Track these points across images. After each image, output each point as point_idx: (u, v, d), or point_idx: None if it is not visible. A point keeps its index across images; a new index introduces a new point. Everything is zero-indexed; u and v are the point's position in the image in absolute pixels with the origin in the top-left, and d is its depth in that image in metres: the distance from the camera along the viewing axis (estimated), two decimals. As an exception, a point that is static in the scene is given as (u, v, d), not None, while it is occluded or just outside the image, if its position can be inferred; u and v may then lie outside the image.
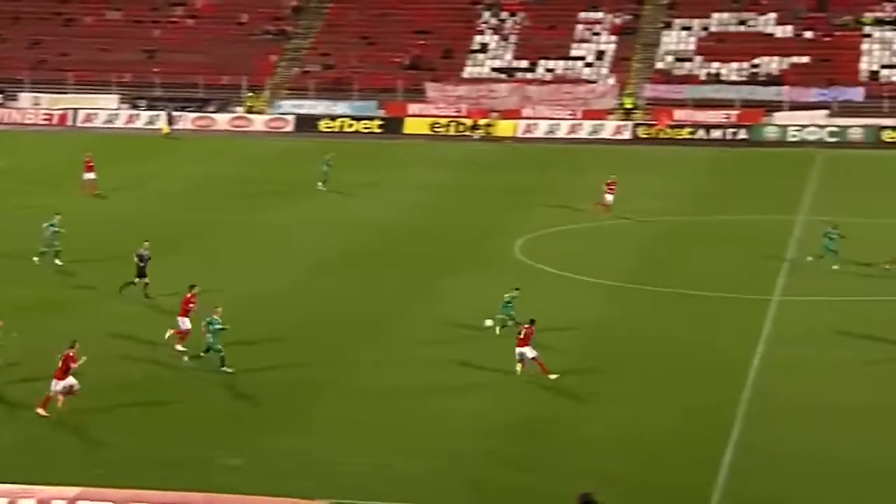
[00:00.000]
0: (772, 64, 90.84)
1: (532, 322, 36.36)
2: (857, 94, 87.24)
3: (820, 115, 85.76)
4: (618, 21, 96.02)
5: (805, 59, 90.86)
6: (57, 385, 32.84)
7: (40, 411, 32.82)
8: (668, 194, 64.71)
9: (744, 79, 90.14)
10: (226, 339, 36.72)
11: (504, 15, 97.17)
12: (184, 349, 37.75)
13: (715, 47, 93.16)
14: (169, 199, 63.53)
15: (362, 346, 38.83)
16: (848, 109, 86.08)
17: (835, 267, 48.76)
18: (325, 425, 32.79)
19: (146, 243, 44.52)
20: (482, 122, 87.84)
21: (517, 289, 40.51)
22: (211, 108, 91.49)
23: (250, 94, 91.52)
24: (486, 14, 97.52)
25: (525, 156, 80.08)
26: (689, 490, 28.85)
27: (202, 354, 36.43)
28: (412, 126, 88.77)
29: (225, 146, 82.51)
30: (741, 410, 33.60)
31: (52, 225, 49.09)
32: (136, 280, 43.83)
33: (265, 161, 76.72)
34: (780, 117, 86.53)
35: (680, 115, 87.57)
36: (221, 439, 31.62)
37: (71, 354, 32.96)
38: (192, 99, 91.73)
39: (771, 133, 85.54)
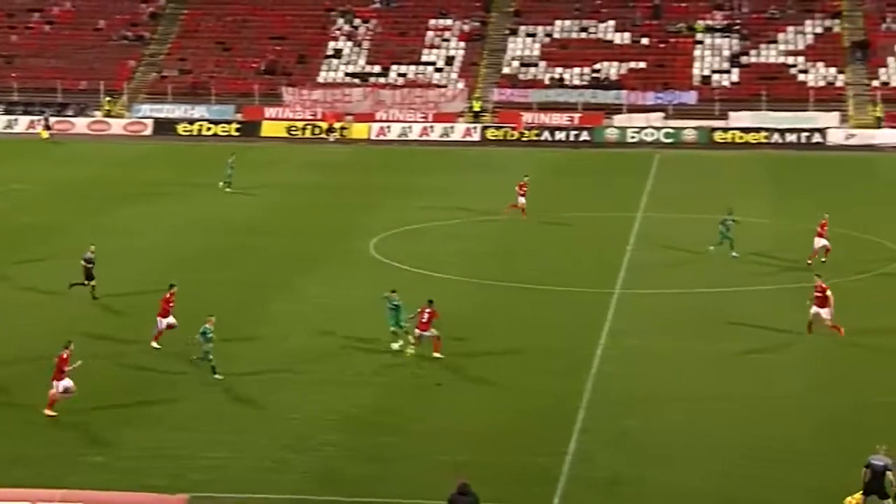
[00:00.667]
0: (611, 69, 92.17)
1: (430, 302, 37.10)
2: (690, 97, 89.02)
3: (656, 118, 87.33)
4: (466, 28, 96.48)
5: (642, 65, 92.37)
6: (58, 386, 31.88)
7: (48, 412, 31.99)
8: (505, 192, 65.14)
9: (586, 83, 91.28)
10: (90, 336, 35.85)
11: (357, 22, 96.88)
12: (158, 346, 37.37)
13: (558, 53, 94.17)
14: (28, 203, 62.00)
15: (217, 341, 38.23)
16: (682, 112, 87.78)
17: (734, 255, 49.55)
18: (181, 420, 32.24)
19: (92, 247, 43.99)
20: (337, 125, 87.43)
21: (393, 290, 38.51)
22: (69, 112, 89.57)
23: (108, 98, 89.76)
24: (340, 21, 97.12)
25: (379, 157, 79.96)
26: (538, 475, 29.03)
27: (194, 359, 35.50)
28: (269, 129, 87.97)
29: (84, 150, 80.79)
30: (585, 399, 33.93)
31: None
32: (85, 282, 43.36)
33: (124, 164, 75.30)
34: (620, 120, 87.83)
35: (526, 118, 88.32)
36: (80, 436, 30.89)
37: (64, 357, 31.97)
38: (50, 103, 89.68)
39: (611, 135, 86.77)
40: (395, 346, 37.80)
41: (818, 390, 34.72)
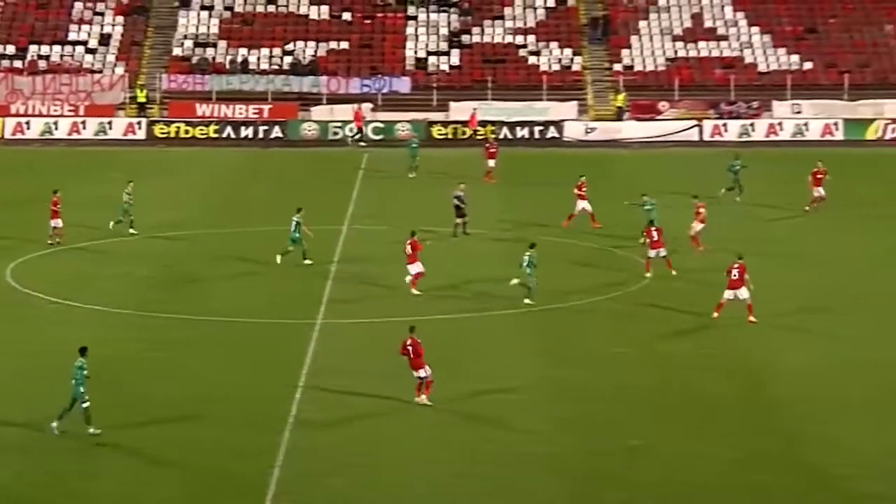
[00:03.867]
0: (307, 50, 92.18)
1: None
2: (403, 84, 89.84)
3: (364, 109, 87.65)
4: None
5: (344, 45, 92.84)
6: None
7: None
8: (192, 203, 64.19)
9: (276, 68, 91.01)
10: None
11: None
12: None
13: (241, 31, 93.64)
14: None
15: None
16: (393, 102, 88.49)
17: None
18: None
19: None
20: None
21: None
22: None
23: None
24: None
25: (16, 161, 77.67)
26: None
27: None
28: None
29: None
30: (281, 455, 33.46)
31: None
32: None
33: None
34: (319, 112, 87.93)
35: (204, 109, 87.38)
36: None
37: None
38: None
39: (309, 130, 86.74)
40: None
41: (561, 431, 35.27)
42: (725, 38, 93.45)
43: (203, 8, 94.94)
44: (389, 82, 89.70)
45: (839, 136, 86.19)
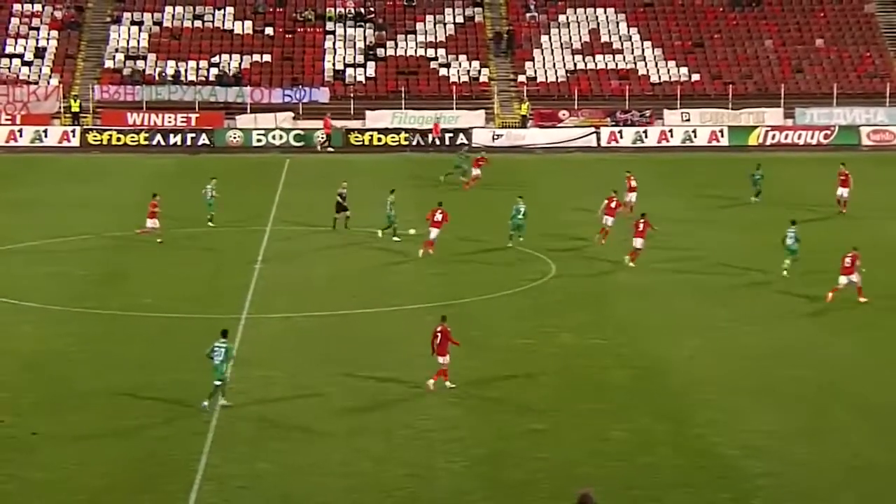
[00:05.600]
0: (232, 63, 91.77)
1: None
2: (322, 94, 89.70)
3: (285, 118, 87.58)
4: (59, 14, 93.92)
5: (267, 58, 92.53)
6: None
7: None
8: (124, 206, 63.78)
9: (203, 79, 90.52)
10: None
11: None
12: None
13: (170, 44, 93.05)
14: None
15: None
16: (314, 111, 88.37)
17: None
18: None
19: None
20: None
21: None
22: None
23: None
24: None
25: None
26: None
27: None
28: None
29: None
30: (209, 441, 33.34)
31: None
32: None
33: None
34: (244, 121, 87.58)
35: (135, 118, 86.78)
36: None
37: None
38: None
39: (234, 138, 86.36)
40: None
41: (471, 416, 35.46)
42: (620, 51, 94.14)
43: (133, 23, 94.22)
44: (309, 92, 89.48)
45: (724, 142, 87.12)
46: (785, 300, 47.72)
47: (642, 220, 52.34)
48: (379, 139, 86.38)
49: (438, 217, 53.36)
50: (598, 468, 31.88)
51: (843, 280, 46.51)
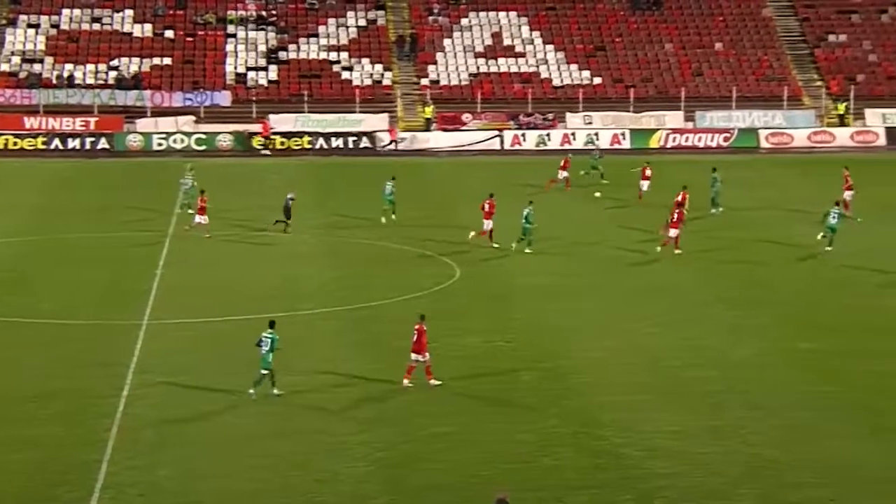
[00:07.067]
0: (132, 66, 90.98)
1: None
2: (223, 98, 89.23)
3: (186, 122, 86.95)
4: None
5: (167, 61, 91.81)
6: None
7: None
8: (17, 210, 63.08)
9: (102, 82, 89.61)
10: None
11: None
12: None
13: (67, 47, 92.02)
14: None
15: None
16: (215, 115, 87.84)
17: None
18: None
19: None
20: None
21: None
22: None
23: None
24: None
25: None
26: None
27: None
28: None
29: None
30: (109, 449, 33.06)
31: None
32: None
33: None
34: (144, 124, 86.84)
35: (32, 122, 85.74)
36: None
37: None
38: None
39: (134, 142, 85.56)
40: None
41: (379, 420, 35.46)
42: (523, 55, 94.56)
43: (30, 25, 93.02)
44: (211, 96, 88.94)
45: (626, 144, 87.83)
46: (687, 301, 48.23)
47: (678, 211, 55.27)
48: (282, 143, 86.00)
49: (487, 207, 55.20)
50: (502, 470, 31.99)
51: None
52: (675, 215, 55.06)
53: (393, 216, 60.60)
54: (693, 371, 39.94)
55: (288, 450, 33.30)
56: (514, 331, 44.28)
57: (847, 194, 61.66)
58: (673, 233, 54.84)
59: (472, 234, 55.60)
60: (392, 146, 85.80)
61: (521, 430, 34.79)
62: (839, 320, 45.71)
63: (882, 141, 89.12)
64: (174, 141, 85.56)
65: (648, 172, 66.96)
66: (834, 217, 54.81)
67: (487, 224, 55.24)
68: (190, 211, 61.24)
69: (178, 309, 46.60)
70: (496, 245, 55.05)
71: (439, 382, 37.80)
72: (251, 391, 36.57)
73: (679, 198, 58.26)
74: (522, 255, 53.96)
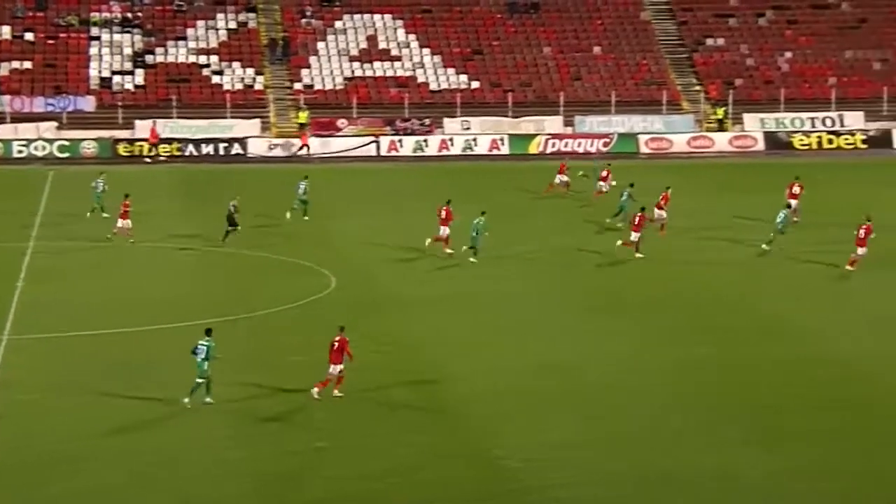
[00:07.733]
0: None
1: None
2: (87, 103, 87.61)
3: (48, 128, 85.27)
4: None
5: (28, 65, 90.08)
6: None
7: None
8: None
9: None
10: None
11: None
12: None
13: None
14: None
15: None
16: (79, 121, 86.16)
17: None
18: None
19: None
20: None
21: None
22: None
23: None
24: None
25: None
26: None
27: None
28: None
29: None
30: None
31: None
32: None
33: None
34: (3, 131, 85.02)
35: None
36: None
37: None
38: None
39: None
40: None
41: (258, 434, 34.69)
42: (399, 58, 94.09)
43: None
44: (74, 101, 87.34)
45: (505, 150, 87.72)
46: (568, 310, 48.01)
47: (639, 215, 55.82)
48: (150, 149, 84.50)
49: (443, 214, 55.35)
50: (383, 484, 31.50)
51: (860, 251, 52.12)
52: (637, 219, 55.65)
53: (305, 217, 62.05)
54: (578, 381, 39.65)
55: (156, 469, 32.46)
56: (391, 342, 43.66)
57: (793, 202, 61.89)
58: (634, 236, 55.45)
59: (429, 240, 55.05)
60: (304, 152, 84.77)
61: (400, 442, 34.36)
62: (729, 321, 45.82)
63: (760, 146, 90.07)
64: (35, 148, 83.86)
65: (605, 173, 68.19)
66: (782, 217, 56.52)
67: (444, 230, 55.10)
68: (105, 215, 60.89)
69: (39, 323, 45.43)
70: (450, 251, 54.41)
71: (342, 395, 37.30)
72: (185, 400, 36.15)
73: (661, 200, 60.06)
74: (399, 265, 53.43)
